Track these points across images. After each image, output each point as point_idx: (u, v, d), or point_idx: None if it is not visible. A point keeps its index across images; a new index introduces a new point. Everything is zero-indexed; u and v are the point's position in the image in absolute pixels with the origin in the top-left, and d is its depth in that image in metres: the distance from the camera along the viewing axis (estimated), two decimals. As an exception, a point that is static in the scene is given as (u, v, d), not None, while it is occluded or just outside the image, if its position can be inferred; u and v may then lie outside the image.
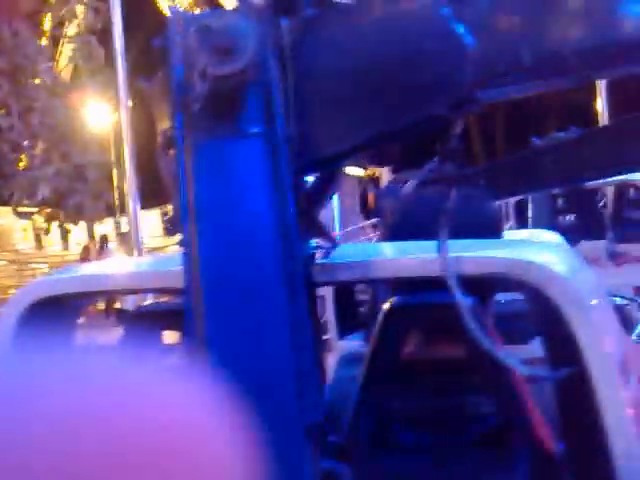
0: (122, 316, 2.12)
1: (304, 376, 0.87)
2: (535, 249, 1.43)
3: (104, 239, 17.09)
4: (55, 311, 1.64)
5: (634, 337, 3.18)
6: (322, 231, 1.42)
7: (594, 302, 1.37)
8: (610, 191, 8.07)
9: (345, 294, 3.04)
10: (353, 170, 11.20)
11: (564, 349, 1.33)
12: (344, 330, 2.75)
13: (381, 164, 1.30)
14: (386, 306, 1.47)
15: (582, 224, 7.65)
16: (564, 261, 1.41)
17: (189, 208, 0.97)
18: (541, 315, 1.47)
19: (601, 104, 13.82)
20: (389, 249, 1.52)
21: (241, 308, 0.90)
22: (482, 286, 1.51)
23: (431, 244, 1.41)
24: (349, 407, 1.41)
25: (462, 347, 1.45)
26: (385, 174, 9.97)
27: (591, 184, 7.90)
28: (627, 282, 5.76)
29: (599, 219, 7.70)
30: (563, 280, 1.30)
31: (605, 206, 7.91)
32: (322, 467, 0.88)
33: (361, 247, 1.58)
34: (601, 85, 13.91)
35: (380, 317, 1.46)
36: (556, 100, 24.30)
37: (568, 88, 1.19)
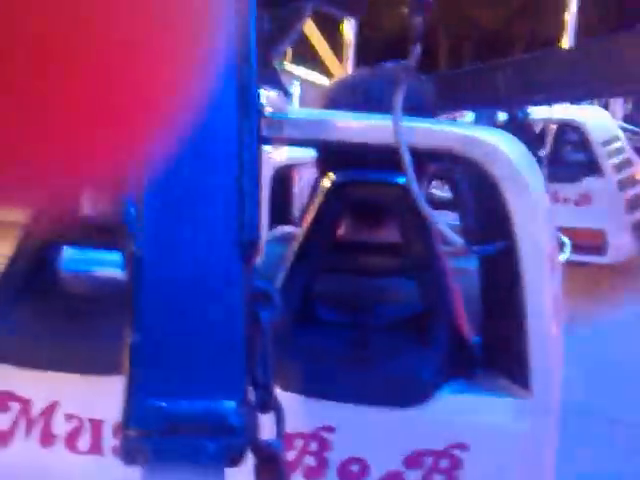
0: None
1: (245, 195, 0.86)
2: (487, 132, 1.41)
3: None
4: None
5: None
6: (277, 79, 1.37)
7: (536, 193, 1.37)
8: (552, 130, 8.18)
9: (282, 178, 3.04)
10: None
11: (498, 228, 1.34)
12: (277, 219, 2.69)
13: (348, 12, 1.24)
14: (324, 183, 1.45)
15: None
16: (515, 149, 1.40)
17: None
18: (480, 196, 1.47)
19: (567, 41, 13.73)
20: (345, 115, 1.47)
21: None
22: (426, 161, 1.51)
23: (381, 116, 1.37)
24: (275, 284, 1.40)
25: (393, 229, 1.46)
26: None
27: (537, 121, 8.01)
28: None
29: (535, 155, 7.79)
30: (508, 160, 1.31)
31: (544, 145, 8.03)
32: (255, 285, 0.89)
33: (315, 111, 1.53)
34: (569, 22, 13.86)
35: (317, 195, 1.44)
36: (524, 35, 24.21)
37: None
